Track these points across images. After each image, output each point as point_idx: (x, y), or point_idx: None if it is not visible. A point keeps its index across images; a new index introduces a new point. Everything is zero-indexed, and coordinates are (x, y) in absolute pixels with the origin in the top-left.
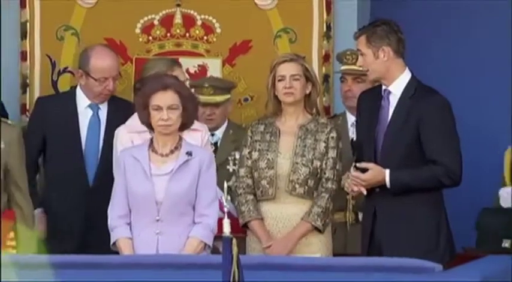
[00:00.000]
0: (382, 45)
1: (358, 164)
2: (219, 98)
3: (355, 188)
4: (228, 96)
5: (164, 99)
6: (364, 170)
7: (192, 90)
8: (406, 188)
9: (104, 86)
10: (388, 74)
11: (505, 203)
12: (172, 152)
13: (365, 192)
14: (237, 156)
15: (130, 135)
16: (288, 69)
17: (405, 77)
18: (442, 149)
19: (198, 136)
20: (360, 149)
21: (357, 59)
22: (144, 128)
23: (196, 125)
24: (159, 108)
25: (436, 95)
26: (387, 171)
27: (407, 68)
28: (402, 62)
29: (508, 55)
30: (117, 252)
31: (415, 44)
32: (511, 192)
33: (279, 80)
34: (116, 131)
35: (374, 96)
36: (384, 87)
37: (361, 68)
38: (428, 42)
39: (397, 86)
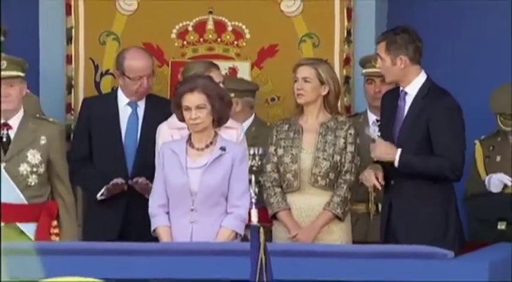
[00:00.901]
0: (400, 54)
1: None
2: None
3: (372, 177)
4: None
5: (192, 99)
6: (380, 162)
7: None
8: (411, 170)
9: (139, 84)
10: (404, 78)
11: (495, 188)
12: (207, 146)
13: (379, 187)
14: (251, 152)
15: (170, 131)
16: (300, 73)
17: (420, 79)
18: (449, 147)
19: (233, 133)
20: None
21: None
22: (184, 124)
23: (232, 123)
24: (188, 108)
25: (447, 97)
26: (399, 150)
27: (422, 71)
28: (418, 67)
29: None
30: (156, 238)
31: (430, 45)
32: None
33: (295, 82)
34: (158, 127)
35: (394, 96)
36: (401, 88)
37: (377, 69)
38: (444, 43)
39: (412, 87)
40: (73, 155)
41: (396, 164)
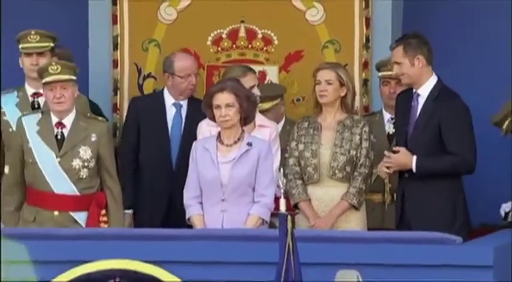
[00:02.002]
0: (417, 54)
1: (394, 148)
2: (266, 105)
3: (385, 170)
4: (275, 101)
5: (222, 98)
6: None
7: None
8: (428, 172)
9: (188, 81)
10: (419, 79)
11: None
12: (235, 142)
13: (385, 170)
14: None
15: (209, 128)
16: (323, 75)
17: (432, 81)
18: (460, 144)
19: (267, 132)
20: (396, 140)
21: None
22: None
23: (266, 122)
24: (218, 107)
25: (456, 99)
26: (414, 157)
27: (434, 73)
28: (431, 68)
29: None
30: (191, 226)
31: (442, 51)
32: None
33: (316, 84)
34: (199, 125)
35: (408, 96)
36: (414, 90)
37: (394, 75)
38: (454, 49)
39: (424, 89)
40: (125, 147)
41: (414, 170)
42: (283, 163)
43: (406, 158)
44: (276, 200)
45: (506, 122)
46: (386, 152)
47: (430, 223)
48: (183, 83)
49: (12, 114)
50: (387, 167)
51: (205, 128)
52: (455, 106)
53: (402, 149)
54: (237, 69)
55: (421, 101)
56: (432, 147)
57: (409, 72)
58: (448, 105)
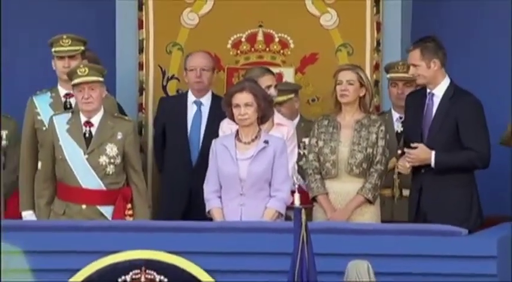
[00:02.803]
0: (433, 58)
1: (411, 145)
2: (280, 98)
3: (407, 165)
4: (290, 96)
5: (241, 98)
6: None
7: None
8: (446, 167)
9: (196, 75)
10: (434, 80)
11: None
12: (253, 140)
13: (408, 166)
14: (307, 142)
15: (230, 126)
16: (344, 76)
17: (446, 82)
18: (475, 139)
19: (284, 130)
20: (408, 138)
21: (407, 68)
22: None
23: (284, 121)
24: (237, 106)
25: (470, 97)
26: (433, 152)
27: (447, 75)
28: (444, 71)
29: None
30: (211, 219)
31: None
32: None
33: (338, 84)
34: (221, 124)
35: (419, 96)
36: (428, 90)
37: (409, 75)
38: (460, 52)
39: (439, 90)
40: (155, 144)
41: (433, 165)
42: (300, 159)
43: (425, 154)
44: (292, 194)
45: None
46: (406, 149)
47: (447, 216)
48: (191, 78)
49: (46, 114)
50: (408, 162)
51: (227, 127)
52: (471, 103)
53: (421, 145)
54: (256, 70)
55: (436, 100)
56: (449, 145)
57: (425, 74)
58: (464, 103)
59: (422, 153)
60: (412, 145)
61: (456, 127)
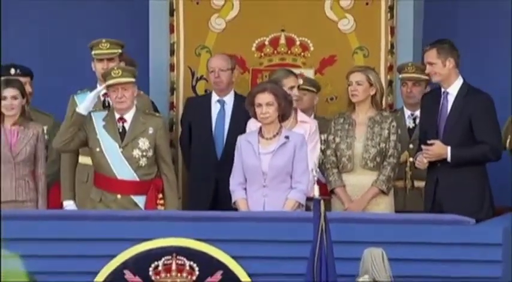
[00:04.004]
0: (448, 57)
1: (428, 141)
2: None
3: (425, 160)
4: (312, 88)
5: (263, 98)
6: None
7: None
8: (462, 160)
9: (214, 76)
10: (448, 79)
11: None
12: (274, 136)
13: (426, 161)
14: (323, 138)
15: (255, 123)
16: (354, 78)
17: (459, 81)
18: (488, 133)
19: (307, 127)
20: (424, 135)
21: (416, 69)
22: None
23: (306, 119)
24: (259, 105)
25: (483, 94)
26: (449, 147)
27: (460, 75)
28: (458, 71)
29: None
30: (236, 209)
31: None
32: None
33: (349, 85)
34: (248, 123)
35: (434, 96)
36: (442, 89)
37: (418, 75)
38: (471, 55)
39: (453, 88)
40: (182, 141)
41: (449, 159)
42: (321, 151)
43: (441, 149)
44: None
45: (508, 140)
46: (423, 146)
47: (462, 206)
48: (211, 77)
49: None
50: (426, 158)
51: (253, 124)
52: (483, 100)
53: (437, 142)
54: (281, 72)
55: (451, 98)
56: (464, 140)
57: (441, 72)
58: (477, 100)
59: (439, 149)
60: (429, 142)
61: (470, 123)
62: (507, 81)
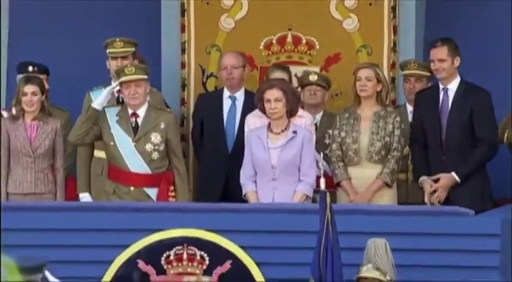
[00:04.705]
0: (456, 56)
1: (433, 178)
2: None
3: (442, 197)
4: (324, 85)
5: (271, 94)
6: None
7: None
8: (469, 174)
9: (227, 73)
10: (451, 76)
11: None
12: (282, 131)
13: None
14: (331, 133)
15: (253, 119)
16: (363, 73)
17: (458, 78)
18: (487, 129)
19: (303, 121)
20: (419, 130)
21: (418, 66)
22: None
23: (303, 113)
24: (268, 101)
25: (483, 91)
26: (453, 173)
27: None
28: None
29: None
30: (246, 201)
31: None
32: None
33: (357, 80)
34: (247, 117)
35: (431, 93)
36: (442, 86)
37: (420, 72)
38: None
39: (453, 85)
40: (194, 134)
41: (459, 181)
42: (326, 148)
43: (448, 180)
44: (317, 179)
45: (506, 135)
46: (432, 184)
47: (466, 198)
48: (224, 75)
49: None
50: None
51: (251, 120)
52: (484, 95)
53: (441, 175)
54: (272, 68)
55: (451, 94)
56: (465, 131)
57: (449, 69)
58: (478, 95)
59: (447, 182)
60: (434, 178)
61: (470, 117)
62: (507, 81)
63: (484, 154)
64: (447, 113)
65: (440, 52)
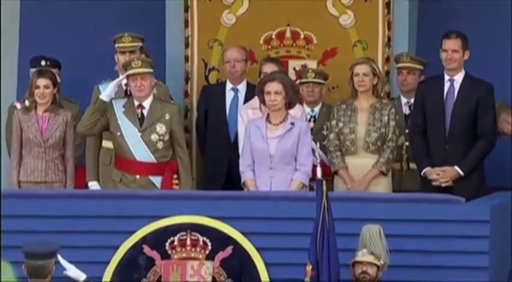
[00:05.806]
0: (466, 49)
1: (439, 169)
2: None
3: (443, 183)
4: (322, 80)
5: (272, 86)
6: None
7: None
8: (472, 168)
9: (230, 66)
10: (459, 67)
11: None
12: (281, 122)
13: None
14: (329, 124)
15: (246, 110)
16: (360, 69)
17: (463, 71)
18: (488, 121)
19: (293, 112)
20: (417, 118)
21: (410, 59)
22: (256, 105)
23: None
24: (268, 93)
25: (485, 82)
26: (455, 167)
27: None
28: None
29: None
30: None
31: None
32: None
33: (355, 76)
34: (242, 107)
35: (436, 84)
36: (448, 77)
37: (412, 65)
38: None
39: (459, 77)
40: (198, 124)
41: (463, 174)
42: (324, 139)
43: (452, 172)
44: (314, 168)
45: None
46: (439, 171)
47: (466, 186)
48: (228, 68)
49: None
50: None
51: (244, 111)
52: (488, 86)
53: (445, 168)
54: (262, 60)
55: (457, 85)
56: (470, 119)
57: (460, 61)
58: (482, 86)
59: (452, 173)
60: (438, 170)
61: (474, 107)
62: (507, 81)
63: (485, 149)
64: (452, 103)
65: (454, 43)
